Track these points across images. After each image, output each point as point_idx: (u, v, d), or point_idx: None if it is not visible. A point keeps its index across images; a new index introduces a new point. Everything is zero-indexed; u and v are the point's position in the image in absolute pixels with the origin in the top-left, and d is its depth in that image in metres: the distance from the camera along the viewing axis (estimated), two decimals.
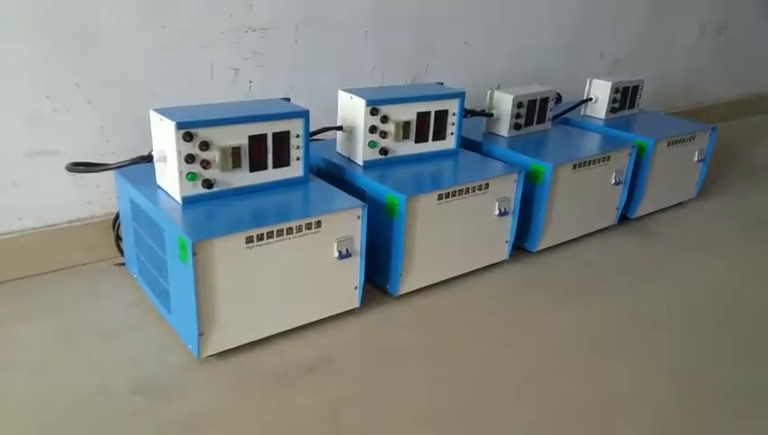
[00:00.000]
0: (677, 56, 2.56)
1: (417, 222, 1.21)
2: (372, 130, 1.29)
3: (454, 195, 1.25)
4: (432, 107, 1.36)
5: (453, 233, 1.29)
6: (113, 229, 1.33)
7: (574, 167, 1.44)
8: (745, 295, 1.37)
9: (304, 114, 1.15)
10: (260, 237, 1.02)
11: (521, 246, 1.47)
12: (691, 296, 1.35)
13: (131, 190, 1.16)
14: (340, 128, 1.34)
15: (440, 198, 1.23)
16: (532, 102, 1.57)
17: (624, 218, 1.69)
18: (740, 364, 1.13)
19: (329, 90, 1.47)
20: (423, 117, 1.35)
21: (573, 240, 1.55)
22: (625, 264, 1.48)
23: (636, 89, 1.82)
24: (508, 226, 1.38)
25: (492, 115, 1.56)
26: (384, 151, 1.32)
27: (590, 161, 1.47)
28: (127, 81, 1.29)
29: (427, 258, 1.27)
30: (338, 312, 1.19)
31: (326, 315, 1.17)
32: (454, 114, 1.39)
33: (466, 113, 1.54)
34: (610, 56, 2.29)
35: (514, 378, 1.06)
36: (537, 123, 1.61)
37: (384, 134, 1.31)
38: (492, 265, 1.40)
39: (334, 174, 1.34)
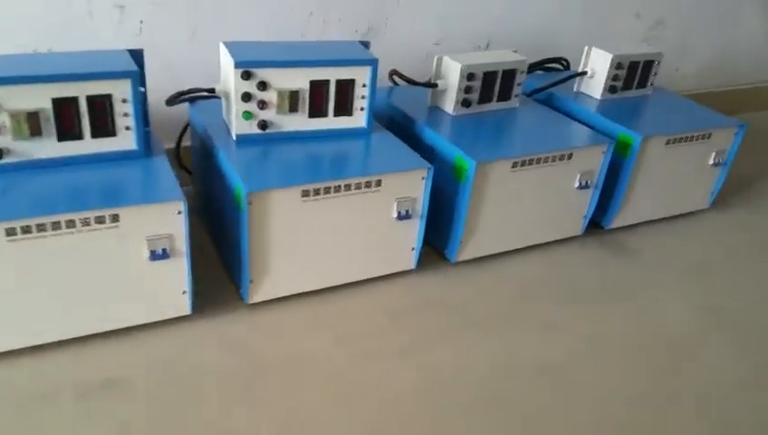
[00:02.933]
0: (748, 22, 2.05)
1: None
2: (246, 97, 1.04)
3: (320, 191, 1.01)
4: (333, 75, 1.07)
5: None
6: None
7: (514, 165, 1.13)
8: (723, 371, 1.02)
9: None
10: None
11: (441, 253, 1.21)
12: (630, 349, 1.04)
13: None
14: (212, 91, 1.09)
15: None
16: (489, 75, 1.24)
17: (599, 228, 1.36)
18: None
19: (244, 38, 1.22)
20: (319, 86, 1.07)
21: (513, 252, 1.26)
22: (565, 287, 1.18)
23: (649, 64, 1.42)
24: (414, 232, 1.12)
25: (436, 86, 1.25)
26: (263, 125, 1.07)
27: (542, 159, 1.15)
28: None
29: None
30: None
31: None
32: (364, 85, 1.10)
33: (408, 83, 1.25)
34: (650, 16, 1.85)
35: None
36: (498, 100, 1.29)
37: (263, 104, 1.06)
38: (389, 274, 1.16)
39: (206, 146, 1.12)
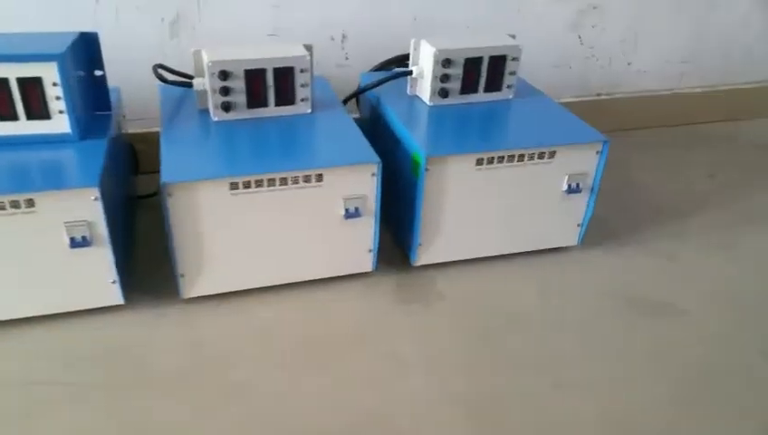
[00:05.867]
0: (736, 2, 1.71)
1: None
2: None
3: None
4: (13, 72, 0.89)
5: None
6: None
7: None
8: None
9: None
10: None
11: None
12: None
13: None
14: None
15: None
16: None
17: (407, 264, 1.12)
18: None
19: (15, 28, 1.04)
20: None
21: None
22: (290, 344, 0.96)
23: (499, 61, 1.12)
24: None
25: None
26: None
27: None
28: None
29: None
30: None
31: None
32: (54, 84, 0.91)
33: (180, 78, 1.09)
34: None
35: None
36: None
37: None
38: None
39: None
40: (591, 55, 1.64)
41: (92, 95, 1.04)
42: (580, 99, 1.69)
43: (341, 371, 0.91)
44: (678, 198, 1.40)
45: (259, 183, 0.92)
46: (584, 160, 1.07)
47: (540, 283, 1.10)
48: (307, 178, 0.94)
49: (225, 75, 1.01)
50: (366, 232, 1.03)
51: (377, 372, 0.91)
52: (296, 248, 1.01)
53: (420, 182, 0.99)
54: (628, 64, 1.70)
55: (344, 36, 1.40)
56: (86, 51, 1.00)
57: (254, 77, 1.03)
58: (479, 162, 1.01)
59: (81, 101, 0.98)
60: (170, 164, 0.93)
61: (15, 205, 0.85)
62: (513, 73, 1.16)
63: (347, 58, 1.42)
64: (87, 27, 1.03)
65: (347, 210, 0.98)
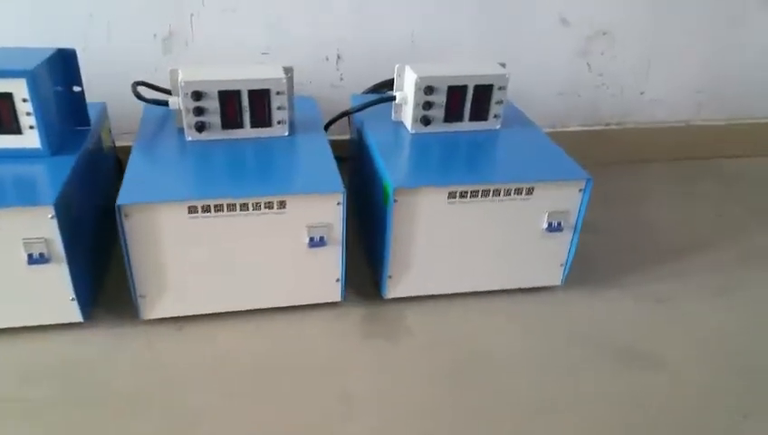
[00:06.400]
0: (756, 26, 1.59)
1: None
2: None
3: None
4: None
5: None
6: None
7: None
8: None
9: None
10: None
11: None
12: None
13: None
14: None
15: None
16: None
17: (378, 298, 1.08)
18: None
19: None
20: None
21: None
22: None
23: (485, 90, 1.09)
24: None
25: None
26: None
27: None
28: None
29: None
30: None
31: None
32: (24, 100, 0.92)
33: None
34: (585, 23, 1.48)
35: None
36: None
37: None
38: None
39: None
40: (602, 84, 1.59)
41: (70, 111, 1.04)
42: (587, 128, 1.64)
43: (288, 405, 0.88)
44: (680, 236, 1.33)
45: (218, 208, 0.91)
46: (566, 198, 1.02)
47: (515, 324, 1.05)
48: (269, 205, 0.92)
49: (198, 96, 1.00)
50: (332, 261, 1.00)
51: (323, 410, 0.87)
52: (260, 275, 0.99)
53: (389, 213, 0.97)
54: (641, 93, 1.63)
55: (339, 57, 1.38)
56: (64, 67, 1.01)
57: (229, 98, 1.02)
58: (452, 195, 0.98)
59: (56, 117, 0.99)
60: (132, 184, 0.92)
61: None
62: (500, 103, 1.13)
63: (341, 78, 1.40)
64: (79, 43, 1.04)
65: (311, 239, 0.96)
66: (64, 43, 1.02)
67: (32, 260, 0.89)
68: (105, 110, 1.18)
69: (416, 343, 1.00)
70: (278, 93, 1.04)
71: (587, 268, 1.17)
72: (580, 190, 1.02)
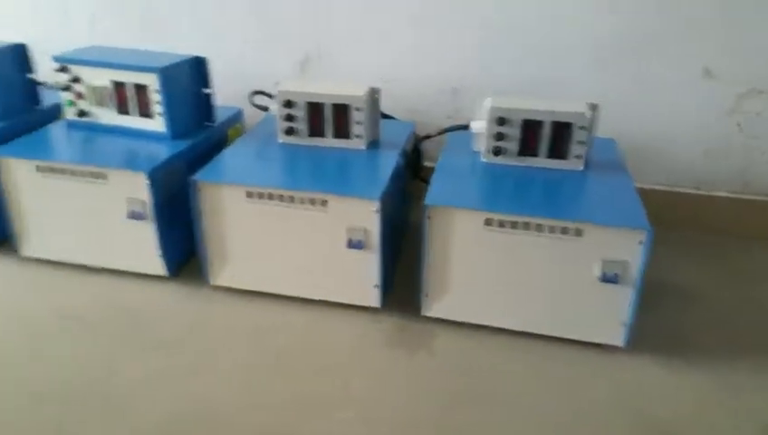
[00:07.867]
0: None
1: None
2: (66, 88, 1.20)
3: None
4: (129, 78, 1.16)
5: None
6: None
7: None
8: None
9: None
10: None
11: None
12: None
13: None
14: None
15: None
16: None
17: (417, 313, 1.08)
18: None
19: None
20: (120, 86, 1.17)
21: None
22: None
23: (563, 127, 1.05)
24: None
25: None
26: (81, 113, 1.22)
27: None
28: None
29: None
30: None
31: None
32: (156, 91, 1.14)
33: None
34: (733, 78, 1.29)
35: None
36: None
37: (79, 96, 1.20)
38: None
39: None
40: (757, 147, 1.39)
41: (198, 108, 1.25)
42: (737, 195, 1.44)
43: (296, 379, 0.95)
44: None
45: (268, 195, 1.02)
46: (622, 247, 0.94)
47: (545, 375, 0.98)
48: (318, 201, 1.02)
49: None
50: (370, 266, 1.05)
51: (322, 392, 0.93)
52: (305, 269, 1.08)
53: (425, 230, 0.99)
54: None
55: (455, 90, 1.44)
56: (197, 71, 1.22)
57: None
58: (488, 222, 0.97)
59: (182, 110, 1.20)
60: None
61: None
62: (582, 143, 1.08)
63: (456, 111, 1.45)
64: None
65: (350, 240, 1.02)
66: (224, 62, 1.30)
67: (132, 215, 1.09)
68: (240, 114, 1.39)
69: (432, 364, 0.99)
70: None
71: (671, 337, 1.05)
72: (640, 243, 0.93)
